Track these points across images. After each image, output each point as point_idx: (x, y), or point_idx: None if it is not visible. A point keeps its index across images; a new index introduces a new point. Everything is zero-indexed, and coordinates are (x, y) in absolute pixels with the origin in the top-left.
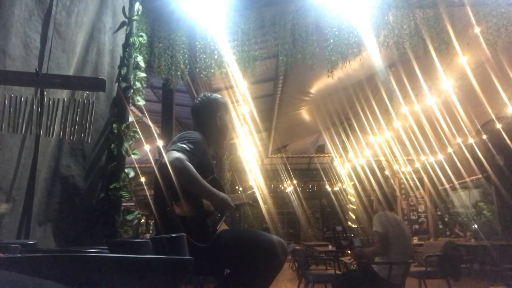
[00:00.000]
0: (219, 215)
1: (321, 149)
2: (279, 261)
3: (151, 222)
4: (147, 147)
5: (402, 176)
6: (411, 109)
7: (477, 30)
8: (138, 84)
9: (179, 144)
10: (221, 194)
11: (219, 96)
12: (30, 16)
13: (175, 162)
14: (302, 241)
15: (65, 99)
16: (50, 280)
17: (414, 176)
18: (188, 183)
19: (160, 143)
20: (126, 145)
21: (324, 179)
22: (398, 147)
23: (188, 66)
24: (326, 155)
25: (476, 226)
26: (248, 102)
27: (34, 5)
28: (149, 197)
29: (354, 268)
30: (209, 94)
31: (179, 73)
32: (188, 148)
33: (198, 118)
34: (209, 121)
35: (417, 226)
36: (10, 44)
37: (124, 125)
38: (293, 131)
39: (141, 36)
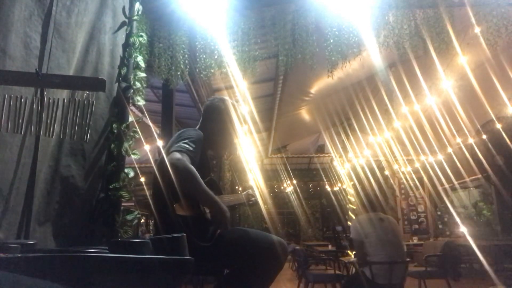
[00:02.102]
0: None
1: (321, 149)
2: (279, 261)
3: (151, 222)
4: (147, 147)
5: (402, 176)
6: (411, 109)
7: (477, 30)
8: (138, 84)
9: (181, 144)
10: (219, 203)
11: (232, 102)
12: (30, 16)
13: (178, 164)
14: (302, 241)
15: (65, 99)
16: (50, 280)
17: (414, 176)
18: (189, 186)
19: (160, 143)
20: (126, 145)
21: (324, 179)
22: (398, 147)
23: (188, 66)
24: (326, 155)
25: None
26: (248, 102)
27: (34, 5)
28: (149, 197)
29: (354, 270)
30: (223, 100)
31: (179, 73)
32: (190, 148)
33: (204, 117)
34: (212, 125)
35: (417, 226)
36: (10, 44)
37: (124, 125)
38: (293, 131)
39: (141, 36)
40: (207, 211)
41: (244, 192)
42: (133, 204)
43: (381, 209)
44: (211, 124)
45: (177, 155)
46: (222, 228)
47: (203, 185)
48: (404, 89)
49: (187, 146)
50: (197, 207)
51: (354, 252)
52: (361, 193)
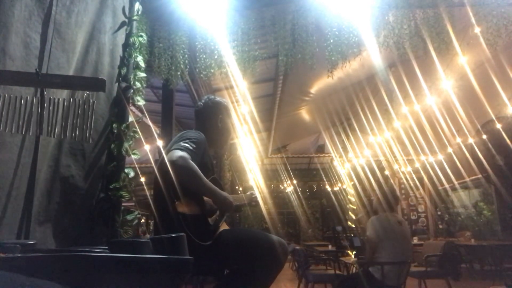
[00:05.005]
0: (220, 214)
1: (321, 149)
2: (279, 261)
3: (151, 222)
4: (147, 147)
5: (402, 176)
6: (411, 109)
7: (477, 30)
8: (138, 84)
9: (181, 143)
10: (223, 193)
11: (223, 99)
12: (30, 16)
13: (179, 161)
14: (302, 241)
15: (65, 99)
16: (50, 280)
17: (414, 176)
18: (191, 181)
19: (160, 143)
20: (126, 145)
21: (324, 179)
22: (398, 147)
23: (188, 66)
24: (326, 155)
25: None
26: (248, 102)
27: (34, 5)
28: (149, 197)
29: (354, 270)
30: (213, 97)
31: (179, 73)
32: (190, 147)
33: (200, 120)
34: (210, 123)
35: (417, 226)
36: (10, 44)
37: (124, 125)
38: (293, 131)
39: (141, 36)
40: (209, 208)
41: (248, 193)
42: (133, 204)
43: (390, 209)
44: (207, 124)
45: (177, 152)
46: (230, 212)
47: (203, 177)
48: (404, 89)
49: (187, 145)
50: (198, 205)
51: (354, 252)
52: (378, 190)
